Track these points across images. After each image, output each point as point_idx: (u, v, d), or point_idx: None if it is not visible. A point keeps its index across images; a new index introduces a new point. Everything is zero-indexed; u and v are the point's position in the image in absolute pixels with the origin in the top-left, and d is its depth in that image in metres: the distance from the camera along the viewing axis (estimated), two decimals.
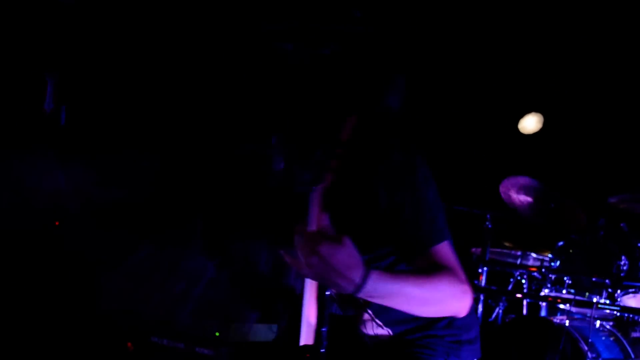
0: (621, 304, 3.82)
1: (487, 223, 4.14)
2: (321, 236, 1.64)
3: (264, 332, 4.47)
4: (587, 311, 3.87)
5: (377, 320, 2.02)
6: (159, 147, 4.88)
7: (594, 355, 3.55)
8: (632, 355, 3.70)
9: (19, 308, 4.04)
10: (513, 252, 4.27)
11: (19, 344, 3.93)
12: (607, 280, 3.88)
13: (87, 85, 4.80)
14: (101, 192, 3.76)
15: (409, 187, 1.88)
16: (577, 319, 3.87)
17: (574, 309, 3.98)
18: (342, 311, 2.07)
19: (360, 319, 2.04)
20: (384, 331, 2.02)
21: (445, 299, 1.79)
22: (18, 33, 4.51)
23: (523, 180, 3.99)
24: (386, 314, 1.99)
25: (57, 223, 4.31)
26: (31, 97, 4.41)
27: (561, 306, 4.00)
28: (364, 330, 2.04)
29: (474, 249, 4.43)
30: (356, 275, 1.64)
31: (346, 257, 1.63)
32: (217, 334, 4.26)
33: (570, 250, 4.04)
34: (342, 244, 1.63)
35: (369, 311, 2.01)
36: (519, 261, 4.23)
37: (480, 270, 4.12)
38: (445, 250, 1.83)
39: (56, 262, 4.34)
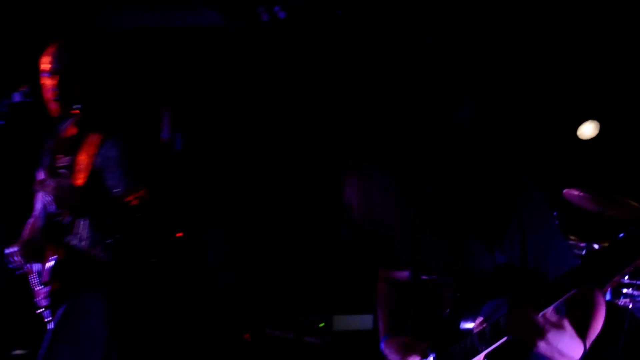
0: None
1: (555, 220, 4.41)
2: (545, 321, 1.66)
3: (363, 322, 4.72)
4: None
5: None
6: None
7: None
8: None
9: (150, 307, 4.42)
10: (579, 244, 4.58)
11: (147, 340, 4.27)
12: None
13: (198, 115, 5.19)
14: None
15: (552, 231, 1.90)
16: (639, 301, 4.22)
17: (636, 293, 4.34)
18: None
19: None
20: None
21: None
22: (138, 75, 4.97)
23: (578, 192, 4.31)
24: None
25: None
26: (151, 127, 4.67)
27: (624, 290, 4.28)
28: None
29: None
30: (577, 353, 1.72)
31: (569, 339, 1.69)
32: (321, 324, 4.56)
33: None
34: (563, 328, 1.68)
35: None
36: (584, 252, 4.51)
37: None
38: None
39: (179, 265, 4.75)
